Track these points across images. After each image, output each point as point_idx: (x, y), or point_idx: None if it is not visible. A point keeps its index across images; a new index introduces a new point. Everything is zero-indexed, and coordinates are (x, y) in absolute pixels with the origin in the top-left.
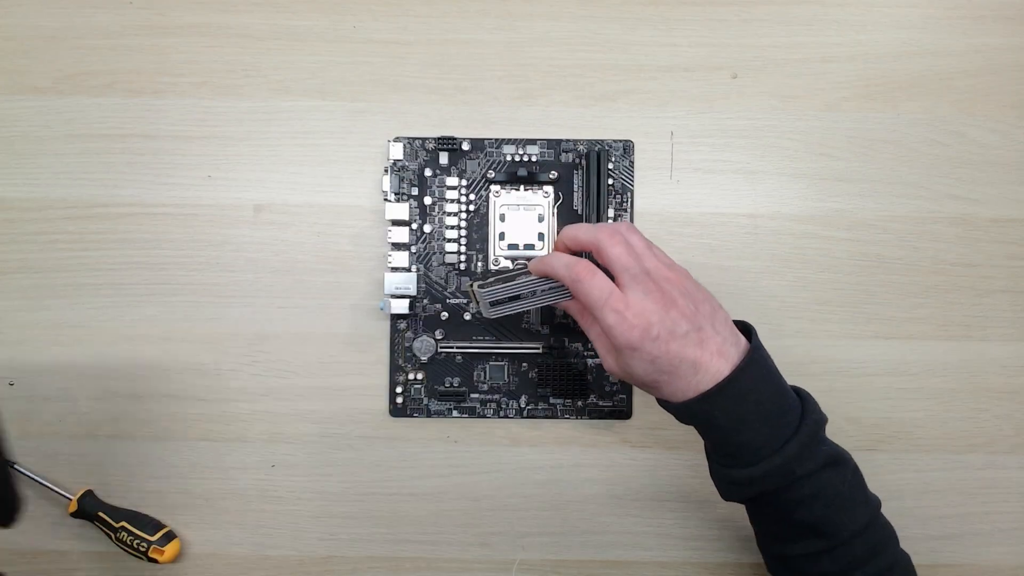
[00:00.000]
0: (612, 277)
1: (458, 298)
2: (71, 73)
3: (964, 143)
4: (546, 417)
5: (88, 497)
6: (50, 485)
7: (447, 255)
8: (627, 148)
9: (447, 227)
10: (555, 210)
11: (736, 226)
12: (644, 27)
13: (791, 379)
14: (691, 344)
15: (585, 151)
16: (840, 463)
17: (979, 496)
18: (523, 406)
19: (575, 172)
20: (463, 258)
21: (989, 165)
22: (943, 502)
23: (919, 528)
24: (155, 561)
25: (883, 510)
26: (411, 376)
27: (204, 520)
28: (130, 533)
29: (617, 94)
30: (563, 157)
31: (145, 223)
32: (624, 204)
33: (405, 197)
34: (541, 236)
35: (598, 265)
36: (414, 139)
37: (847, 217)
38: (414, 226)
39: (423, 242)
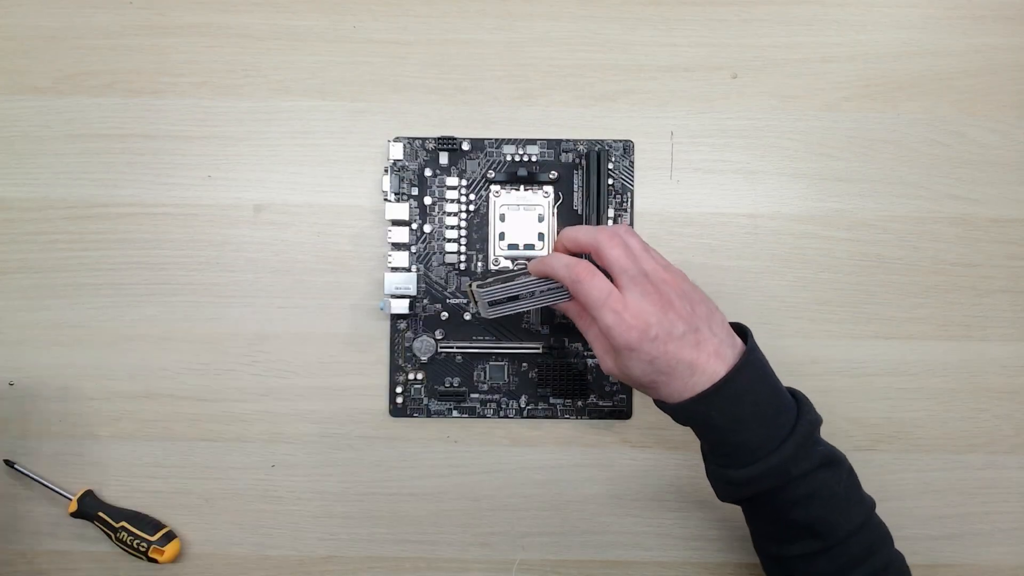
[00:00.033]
0: (610, 279)
1: (458, 298)
2: (71, 73)
3: (964, 143)
4: (546, 417)
5: (88, 497)
6: (50, 485)
7: (447, 255)
8: (627, 148)
9: (447, 227)
10: (555, 210)
11: (736, 226)
12: (644, 27)
13: (792, 379)
14: (688, 345)
15: (585, 151)
16: (835, 463)
17: (979, 496)
18: (523, 406)
19: (575, 172)
20: (463, 258)
21: (989, 165)
22: (943, 502)
23: (919, 528)
24: (155, 561)
25: (884, 510)
26: (411, 376)
27: (204, 520)
28: (130, 533)
29: (617, 94)
30: (563, 157)
31: (145, 223)
32: (624, 204)
33: (405, 197)
34: (541, 236)
35: (597, 267)
36: (414, 139)
37: (847, 217)
38: (414, 226)
39: (423, 242)
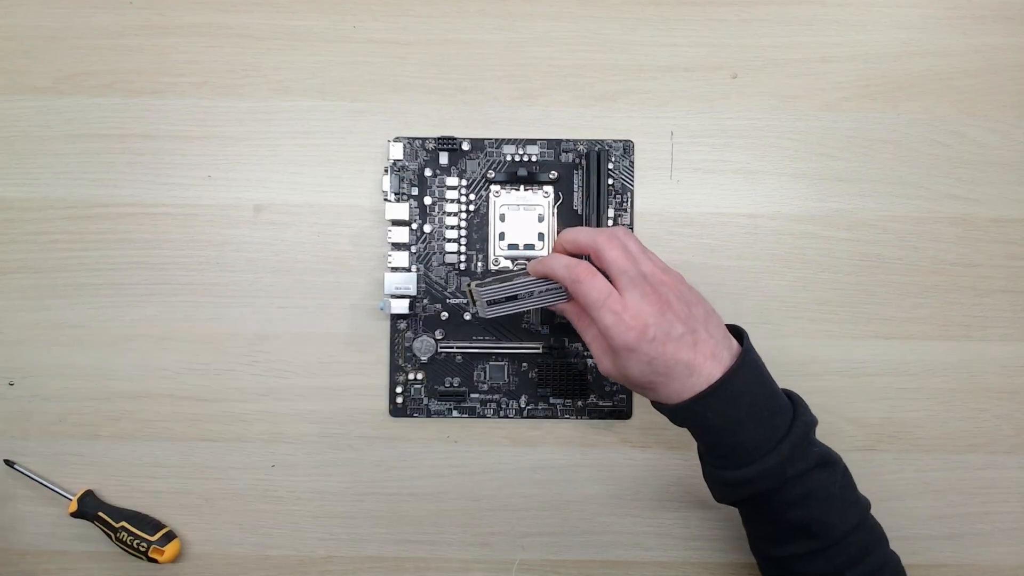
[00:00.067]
0: (609, 280)
1: (458, 298)
2: (71, 73)
3: (964, 143)
4: (546, 417)
5: (88, 497)
6: (50, 485)
7: (447, 255)
8: (627, 148)
9: (447, 227)
10: (555, 210)
11: (736, 226)
12: (644, 27)
13: (792, 379)
14: (686, 346)
15: (585, 151)
16: (830, 464)
17: (979, 496)
18: (523, 406)
19: (575, 172)
20: (463, 258)
21: (989, 165)
22: (943, 502)
23: (919, 528)
24: (155, 561)
25: (884, 510)
26: (411, 376)
27: (204, 520)
28: (130, 533)
29: (617, 94)
30: (563, 157)
31: (145, 223)
32: (624, 204)
33: (405, 197)
34: (541, 236)
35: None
36: (414, 139)
37: (847, 217)
38: (414, 226)
39: (423, 242)
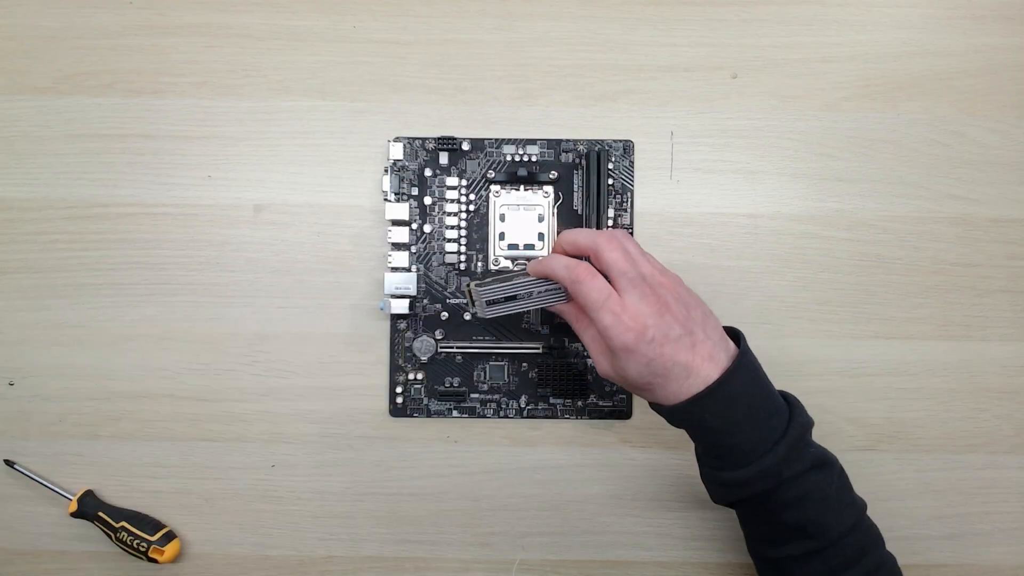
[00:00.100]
0: (608, 282)
1: (458, 298)
2: (71, 73)
3: (964, 143)
4: (546, 417)
5: (88, 497)
6: (50, 485)
7: (447, 255)
8: (627, 148)
9: (447, 227)
10: (555, 210)
11: (736, 226)
12: (644, 27)
13: (792, 379)
14: (683, 348)
15: (585, 151)
16: (827, 465)
17: (979, 496)
18: (523, 406)
19: (575, 172)
20: (463, 258)
21: (989, 165)
22: (943, 502)
23: (919, 528)
24: (155, 561)
25: (884, 510)
26: (411, 376)
27: (204, 520)
28: (130, 533)
29: (617, 94)
30: (563, 157)
31: (145, 223)
32: (624, 204)
33: (405, 197)
34: (541, 236)
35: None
36: (414, 139)
37: (847, 217)
38: (414, 226)
39: (423, 242)
